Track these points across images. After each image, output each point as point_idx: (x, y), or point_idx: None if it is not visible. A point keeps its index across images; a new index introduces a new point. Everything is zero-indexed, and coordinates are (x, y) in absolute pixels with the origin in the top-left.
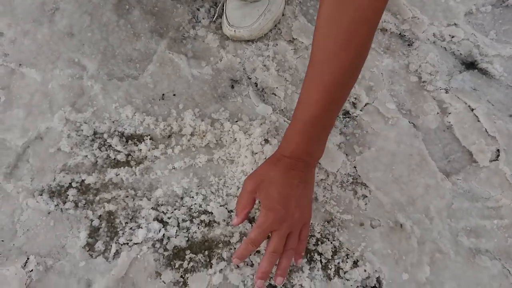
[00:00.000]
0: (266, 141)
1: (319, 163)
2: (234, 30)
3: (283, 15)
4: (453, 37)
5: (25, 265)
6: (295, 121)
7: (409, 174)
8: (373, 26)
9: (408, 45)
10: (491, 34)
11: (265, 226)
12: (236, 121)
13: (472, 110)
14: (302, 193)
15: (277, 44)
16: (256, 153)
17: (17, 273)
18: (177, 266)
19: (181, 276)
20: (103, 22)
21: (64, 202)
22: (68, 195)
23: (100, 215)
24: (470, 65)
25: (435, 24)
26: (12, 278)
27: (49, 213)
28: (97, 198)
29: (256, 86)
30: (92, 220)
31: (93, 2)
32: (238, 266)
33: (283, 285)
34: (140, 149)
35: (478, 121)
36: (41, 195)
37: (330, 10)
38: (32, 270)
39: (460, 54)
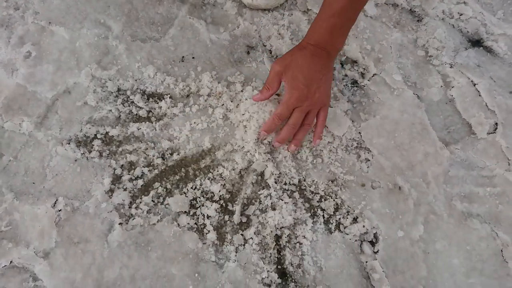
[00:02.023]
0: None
1: (326, 127)
2: None
3: None
4: (461, 14)
5: (54, 205)
6: (322, 13)
7: (410, 142)
8: None
9: (418, 20)
10: (499, 13)
11: (290, 102)
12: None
13: (475, 85)
14: (322, 79)
15: (292, 14)
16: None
17: (47, 212)
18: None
19: None
20: None
21: (90, 151)
22: (93, 145)
23: (122, 165)
24: (476, 42)
25: (444, 2)
26: (43, 216)
27: (76, 160)
28: (120, 149)
29: (271, 53)
30: (115, 169)
31: None
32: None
33: (288, 238)
34: (160, 107)
35: (479, 95)
36: (69, 143)
37: None
38: (60, 210)
39: (467, 31)
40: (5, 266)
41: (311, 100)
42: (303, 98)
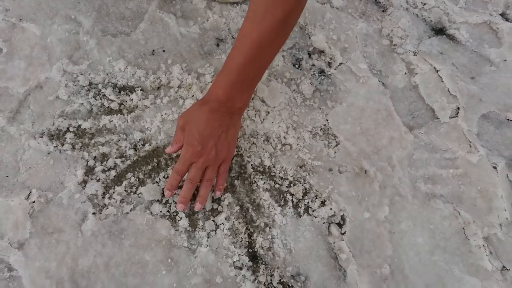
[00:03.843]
0: None
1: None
2: None
3: None
4: (424, 4)
5: (27, 197)
6: (223, 69)
7: (376, 127)
8: None
9: (383, 11)
10: (461, 2)
11: (185, 158)
12: None
13: (437, 71)
14: (222, 135)
15: None
16: None
17: (21, 204)
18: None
19: None
20: None
21: (63, 144)
22: (66, 138)
23: (95, 157)
24: (439, 31)
25: None
26: (16, 208)
27: (48, 153)
28: (92, 141)
29: None
30: (87, 161)
31: None
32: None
33: (260, 220)
34: (132, 99)
35: (442, 81)
36: (42, 137)
37: None
38: (34, 202)
39: (431, 20)
40: None
41: (206, 157)
42: (197, 155)
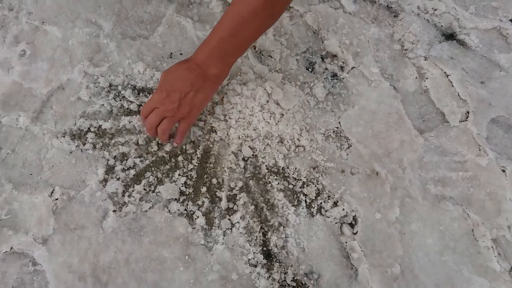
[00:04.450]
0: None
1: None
2: None
3: None
4: (435, 10)
5: (51, 195)
6: (208, 36)
7: (387, 130)
8: None
9: (394, 16)
10: (471, 8)
11: (150, 101)
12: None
13: (447, 76)
14: (189, 94)
15: None
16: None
17: (44, 201)
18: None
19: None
20: None
21: (84, 144)
22: (87, 138)
23: (115, 156)
24: (450, 36)
25: None
26: (40, 204)
27: (71, 152)
28: (112, 141)
29: (255, 48)
30: (108, 160)
31: None
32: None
33: (274, 219)
34: None
35: (452, 86)
36: (64, 137)
37: None
38: (57, 199)
39: (441, 26)
40: (6, 252)
41: (167, 107)
42: (161, 102)
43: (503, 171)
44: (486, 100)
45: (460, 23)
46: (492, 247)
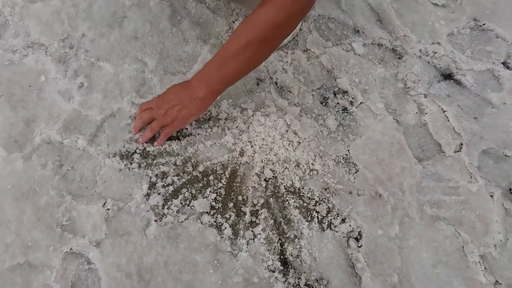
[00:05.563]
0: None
1: (322, 145)
2: None
3: (300, 30)
4: (435, 53)
5: (103, 205)
6: (205, 64)
7: (390, 158)
8: (276, 45)
9: (399, 58)
10: (467, 52)
11: (149, 102)
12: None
13: (444, 112)
14: (175, 107)
15: (294, 53)
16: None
17: (98, 210)
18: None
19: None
20: (160, 29)
21: (131, 163)
22: (133, 158)
23: (157, 174)
24: (447, 76)
25: (421, 42)
26: (95, 213)
27: (120, 170)
28: (155, 161)
29: (276, 84)
30: (151, 177)
31: (152, 13)
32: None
33: (290, 232)
34: (187, 128)
35: (448, 120)
36: (114, 157)
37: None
38: (109, 209)
39: (440, 67)
40: (66, 252)
41: (158, 110)
42: (154, 104)
43: (491, 196)
44: (478, 134)
45: (457, 65)
46: (479, 262)
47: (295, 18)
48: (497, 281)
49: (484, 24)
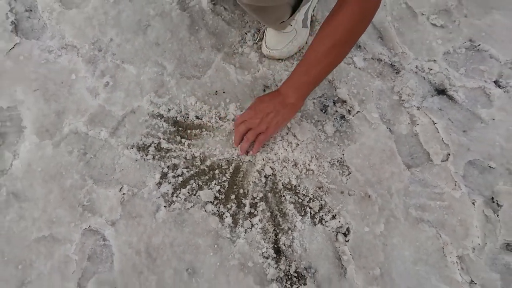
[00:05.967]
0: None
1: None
2: (270, 51)
3: (306, 43)
4: (431, 69)
5: (120, 190)
6: (292, 71)
7: (381, 163)
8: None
9: (396, 72)
10: (461, 70)
11: (242, 116)
12: None
13: (435, 124)
14: (270, 114)
15: None
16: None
17: (115, 194)
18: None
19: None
20: (180, 37)
21: (146, 155)
22: (149, 150)
23: (168, 166)
24: (441, 91)
25: (418, 59)
26: (112, 197)
27: (136, 160)
28: (167, 154)
29: None
30: (163, 168)
31: (173, 23)
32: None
33: (284, 224)
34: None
35: (438, 132)
36: (132, 148)
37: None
38: (124, 194)
39: (435, 82)
40: (85, 228)
41: (253, 121)
42: (249, 117)
43: (473, 203)
44: (466, 146)
45: (451, 81)
46: (457, 262)
47: (371, 12)
48: (472, 280)
49: (479, 45)
